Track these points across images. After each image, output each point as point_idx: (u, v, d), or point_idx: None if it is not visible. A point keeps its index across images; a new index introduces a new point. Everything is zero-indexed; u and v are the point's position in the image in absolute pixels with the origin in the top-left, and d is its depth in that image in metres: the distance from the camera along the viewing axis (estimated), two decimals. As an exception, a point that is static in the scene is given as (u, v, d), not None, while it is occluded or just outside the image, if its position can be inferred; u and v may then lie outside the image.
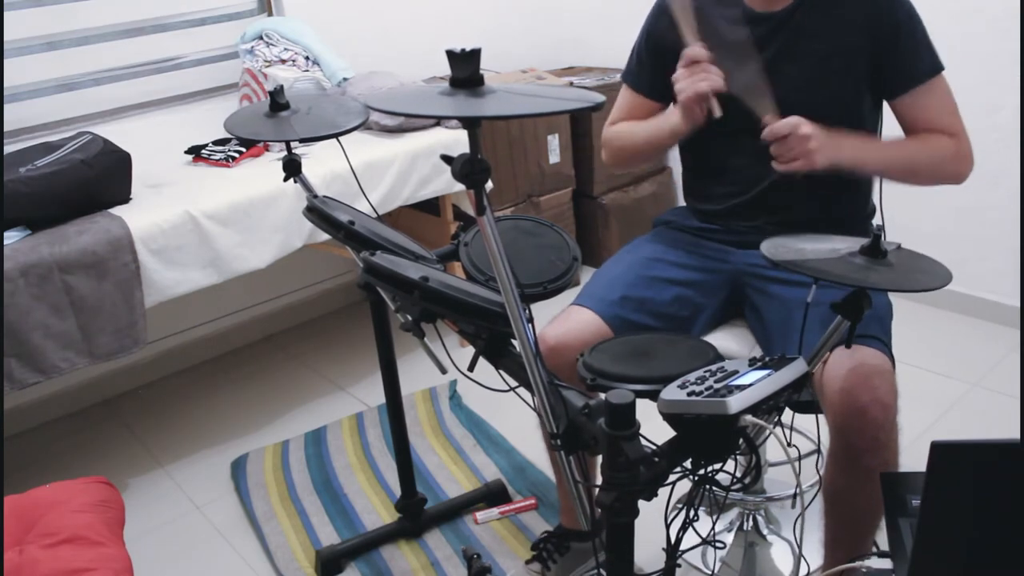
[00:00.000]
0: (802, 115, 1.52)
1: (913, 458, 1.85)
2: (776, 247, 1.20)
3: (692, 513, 1.14)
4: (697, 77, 1.46)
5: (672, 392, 1.07)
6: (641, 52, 1.69)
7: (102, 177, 2.13)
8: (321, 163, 2.37)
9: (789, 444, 1.10)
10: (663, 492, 1.09)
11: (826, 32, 1.50)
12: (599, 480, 1.07)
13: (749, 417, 1.03)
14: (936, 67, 1.50)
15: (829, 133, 1.43)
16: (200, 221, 2.16)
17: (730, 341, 1.61)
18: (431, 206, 2.78)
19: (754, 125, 1.56)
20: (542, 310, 1.93)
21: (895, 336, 1.52)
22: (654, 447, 1.07)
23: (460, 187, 2.63)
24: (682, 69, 1.48)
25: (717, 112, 1.47)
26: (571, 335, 1.53)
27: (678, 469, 1.09)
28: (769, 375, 1.07)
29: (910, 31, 1.48)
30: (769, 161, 1.53)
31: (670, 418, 1.08)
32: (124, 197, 2.21)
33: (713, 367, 1.14)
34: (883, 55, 1.48)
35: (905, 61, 1.48)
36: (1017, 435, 1.42)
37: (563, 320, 1.57)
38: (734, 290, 1.64)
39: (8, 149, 2.34)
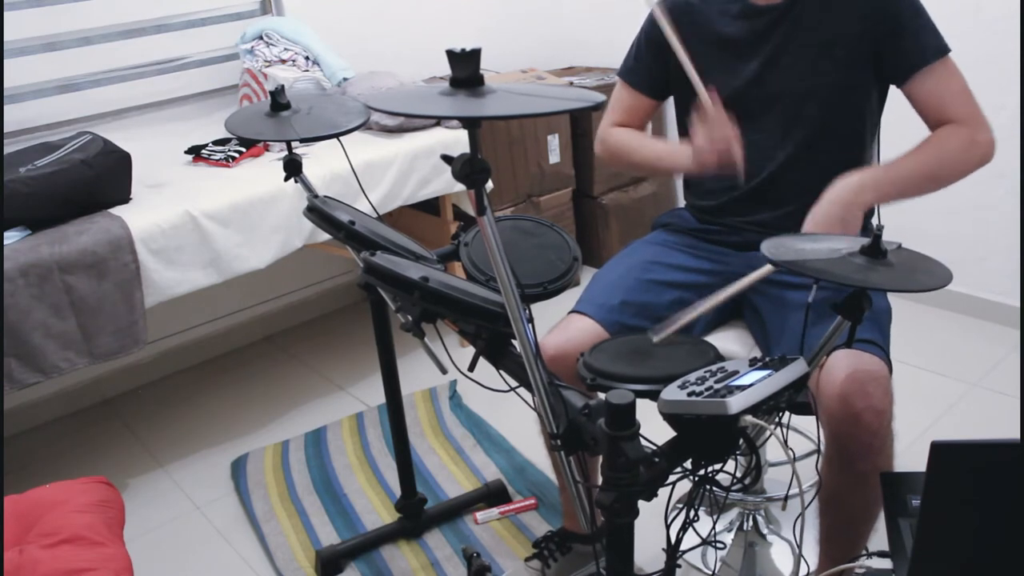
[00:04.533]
0: (806, 106, 1.52)
1: (913, 458, 1.86)
2: (776, 247, 1.19)
3: (692, 513, 1.14)
4: (715, 136, 1.44)
5: (672, 392, 1.07)
6: (641, 49, 1.69)
7: (102, 177, 2.13)
8: (321, 163, 2.37)
9: (786, 444, 1.10)
10: (663, 492, 1.09)
11: (827, 23, 1.50)
12: (599, 480, 1.07)
13: (749, 418, 1.03)
14: (940, 50, 1.47)
15: (840, 198, 1.40)
16: (200, 221, 2.16)
17: (729, 343, 1.61)
18: (431, 206, 2.78)
19: (758, 119, 1.56)
20: (542, 310, 1.93)
21: (895, 336, 1.53)
22: (654, 447, 1.07)
23: (460, 187, 2.63)
24: (699, 125, 1.46)
25: (742, 178, 1.46)
26: (572, 344, 1.53)
27: (678, 469, 1.09)
28: (769, 375, 1.07)
29: (912, 16, 1.47)
30: (768, 154, 1.53)
31: (670, 418, 1.08)
32: (124, 197, 2.21)
33: (713, 367, 1.14)
34: (885, 43, 1.48)
35: (907, 47, 1.47)
36: (1017, 435, 1.42)
37: (563, 329, 1.57)
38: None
39: (8, 149, 2.34)
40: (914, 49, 1.47)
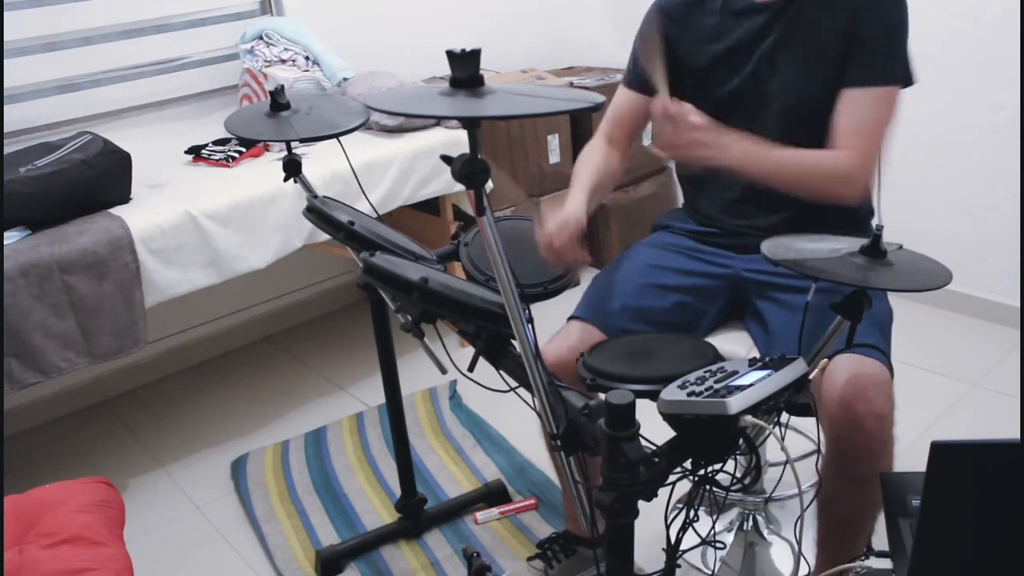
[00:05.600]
0: (801, 104, 1.51)
1: (913, 458, 1.86)
2: (776, 247, 1.20)
3: (692, 513, 1.14)
4: (688, 140, 1.41)
5: (672, 392, 1.07)
6: (636, 51, 1.70)
7: (102, 177, 2.13)
8: (321, 163, 2.37)
9: (781, 446, 1.10)
10: (663, 492, 1.09)
11: (824, 21, 1.49)
12: (600, 480, 1.07)
13: (749, 418, 1.03)
14: (889, 79, 1.44)
15: (722, 133, 1.39)
16: (200, 221, 2.16)
17: (729, 343, 1.61)
18: (431, 206, 2.78)
19: (754, 116, 1.56)
20: (542, 311, 1.93)
21: (895, 336, 1.52)
22: (654, 447, 1.07)
23: (460, 187, 2.63)
24: (663, 127, 1.42)
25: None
26: (573, 352, 1.50)
27: (678, 469, 1.09)
28: (769, 375, 1.07)
29: (890, 31, 1.44)
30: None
31: (670, 418, 1.08)
32: (124, 197, 2.21)
33: (713, 367, 1.14)
34: (854, 44, 1.44)
35: (865, 57, 1.44)
36: (1017, 435, 1.42)
37: (563, 337, 1.56)
38: (734, 295, 1.64)
39: (8, 149, 2.34)
40: (866, 64, 1.44)
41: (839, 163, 1.45)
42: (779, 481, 1.35)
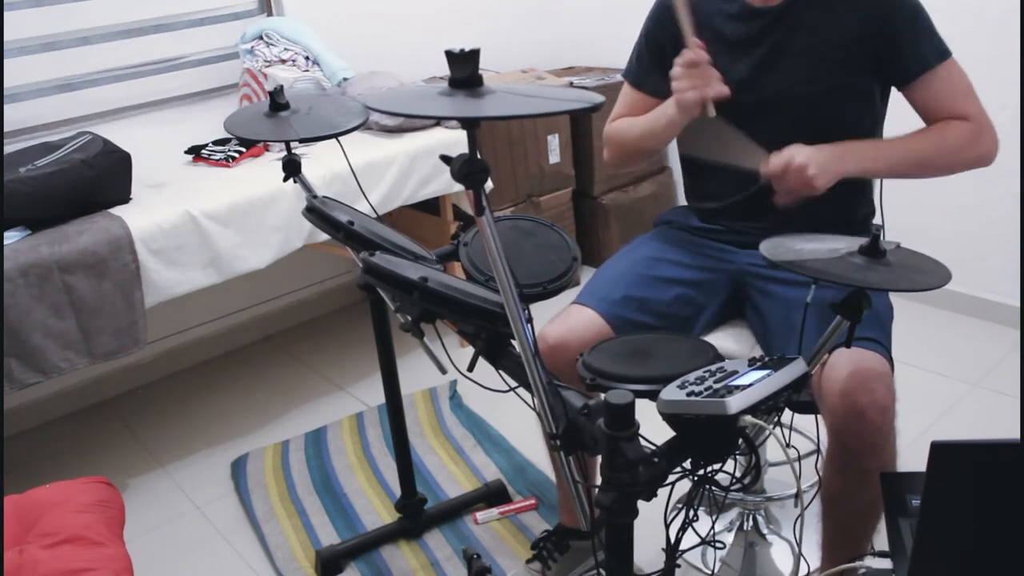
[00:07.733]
0: (802, 109, 1.52)
1: (913, 458, 1.86)
2: (775, 247, 1.20)
3: (692, 513, 1.14)
4: (697, 82, 1.46)
5: (671, 392, 1.07)
6: (642, 50, 1.69)
7: (102, 177, 2.13)
8: (321, 163, 2.37)
9: (788, 445, 1.10)
10: (663, 492, 1.09)
11: (824, 26, 1.49)
12: (599, 480, 1.07)
13: (748, 417, 1.03)
14: (941, 54, 1.48)
15: (826, 150, 1.41)
16: (200, 221, 2.16)
17: (730, 341, 1.61)
18: (431, 206, 2.78)
19: (753, 122, 1.56)
20: (542, 310, 1.92)
21: (895, 336, 1.52)
22: (654, 447, 1.07)
23: (460, 187, 2.63)
24: (680, 68, 1.47)
25: (711, 113, 1.47)
26: (572, 334, 1.53)
27: (678, 469, 1.09)
28: (768, 375, 1.07)
29: (911, 20, 1.47)
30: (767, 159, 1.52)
31: (669, 418, 1.08)
32: (124, 197, 2.21)
33: (712, 367, 1.14)
34: (885, 47, 1.47)
35: (908, 52, 1.47)
36: (1017, 435, 1.42)
37: (563, 319, 1.57)
38: (735, 290, 1.64)
39: (8, 149, 2.34)
40: (914, 56, 1.47)
41: (966, 129, 1.48)
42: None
